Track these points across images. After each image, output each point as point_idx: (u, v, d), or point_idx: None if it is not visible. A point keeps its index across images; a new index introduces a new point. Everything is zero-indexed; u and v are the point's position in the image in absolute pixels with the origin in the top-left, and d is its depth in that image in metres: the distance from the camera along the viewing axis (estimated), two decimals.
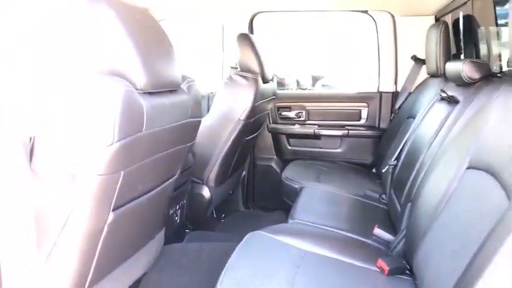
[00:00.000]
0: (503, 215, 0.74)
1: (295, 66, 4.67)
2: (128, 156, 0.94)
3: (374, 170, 2.37)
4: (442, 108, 1.49)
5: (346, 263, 1.21)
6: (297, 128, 2.56)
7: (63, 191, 0.89)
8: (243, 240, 1.26)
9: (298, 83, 4.44)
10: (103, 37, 0.96)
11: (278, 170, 2.54)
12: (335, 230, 1.43)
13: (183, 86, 1.23)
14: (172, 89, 1.13)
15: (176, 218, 1.84)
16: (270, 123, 2.59)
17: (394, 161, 1.73)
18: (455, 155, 1.15)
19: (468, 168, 1.03)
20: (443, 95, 1.50)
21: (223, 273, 1.06)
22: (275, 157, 2.63)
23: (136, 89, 0.95)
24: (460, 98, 1.39)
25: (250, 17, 2.44)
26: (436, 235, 1.06)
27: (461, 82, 1.42)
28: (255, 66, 2.00)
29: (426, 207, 1.18)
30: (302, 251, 1.23)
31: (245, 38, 2.02)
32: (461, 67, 1.37)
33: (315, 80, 4.65)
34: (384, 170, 1.80)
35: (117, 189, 0.95)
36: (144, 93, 0.97)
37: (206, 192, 2.01)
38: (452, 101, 1.43)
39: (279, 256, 1.18)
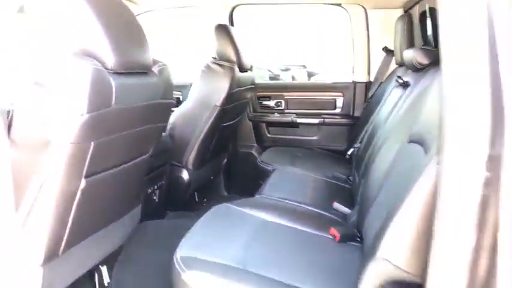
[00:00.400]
0: (417, 165, 0.87)
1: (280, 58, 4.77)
2: (98, 128, 1.05)
3: (348, 156, 2.49)
4: (398, 92, 1.61)
5: (302, 230, 1.33)
6: (276, 117, 2.68)
7: (39, 158, 1.00)
8: (209, 211, 1.37)
9: (293, 78, 4.55)
10: (77, 22, 1.07)
11: (258, 157, 2.66)
12: (297, 204, 1.55)
13: (155, 70, 1.34)
14: (142, 70, 1.24)
15: (155, 197, 1.96)
16: (250, 112, 2.70)
17: (358, 144, 1.85)
18: (400, 132, 1.27)
19: (409, 142, 1.16)
20: (400, 81, 1.62)
21: (184, 238, 1.18)
22: (255, 144, 2.75)
23: (107, 69, 1.06)
24: (411, 82, 1.51)
25: (230, 10, 2.55)
26: (379, 202, 1.19)
27: (414, 68, 1.54)
28: (231, 56, 2.11)
29: (374, 180, 1.30)
30: (262, 220, 1.35)
31: (222, 29, 2.13)
32: (412, 54, 1.49)
33: (310, 75, 4.75)
34: (349, 153, 1.92)
35: (89, 157, 1.06)
36: (114, 72, 1.08)
37: (185, 175, 2.12)
38: (405, 85, 1.55)
39: (240, 224, 1.30)
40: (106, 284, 1.61)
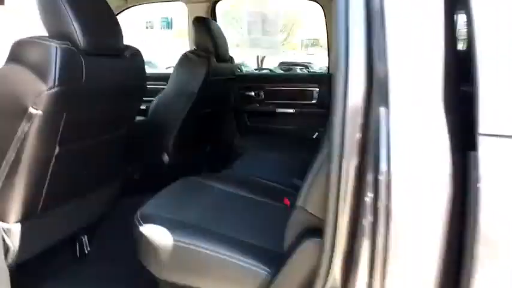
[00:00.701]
0: None
1: None
2: (69, 101, 1.20)
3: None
4: None
5: (259, 200, 1.48)
6: (256, 107, 2.83)
7: (18, 125, 1.16)
8: (176, 181, 1.52)
9: None
10: (52, 9, 1.23)
11: (241, 145, 2.81)
12: (259, 179, 1.70)
13: (127, 54, 1.49)
14: (113, 53, 1.39)
15: (135, 177, 2.12)
16: (232, 102, 2.85)
17: (322, 128, 2.00)
18: None
19: None
20: None
21: (147, 202, 1.33)
22: (237, 133, 2.90)
23: (78, 49, 1.21)
24: None
25: (212, 3, 2.70)
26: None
27: None
28: (209, 46, 2.26)
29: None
30: (223, 191, 1.49)
31: (200, 21, 2.28)
32: None
33: None
34: (314, 136, 2.07)
35: (62, 126, 1.22)
36: (85, 53, 1.23)
37: (165, 158, 2.27)
38: None
39: (201, 193, 1.45)
40: (86, 252, 1.77)
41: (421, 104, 0.68)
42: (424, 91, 0.68)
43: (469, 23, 0.66)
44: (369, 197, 0.71)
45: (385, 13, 0.69)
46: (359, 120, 0.74)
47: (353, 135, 0.74)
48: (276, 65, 4.21)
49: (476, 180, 0.64)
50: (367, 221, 0.71)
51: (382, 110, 0.69)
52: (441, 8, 0.68)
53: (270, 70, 3.63)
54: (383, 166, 0.67)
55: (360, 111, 0.74)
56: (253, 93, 2.82)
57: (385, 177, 0.67)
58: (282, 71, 3.80)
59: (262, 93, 2.82)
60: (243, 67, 3.15)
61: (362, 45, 0.73)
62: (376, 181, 0.68)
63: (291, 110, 2.74)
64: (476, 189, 0.64)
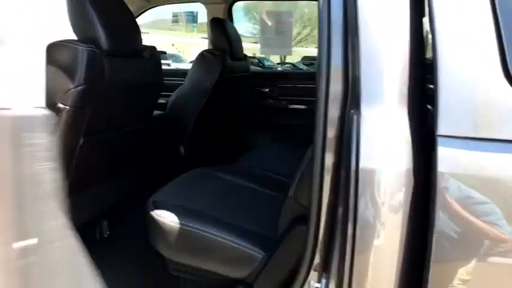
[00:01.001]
0: None
1: None
2: (93, 98, 1.35)
3: None
4: None
5: (263, 191, 1.59)
6: (269, 103, 2.94)
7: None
8: (188, 172, 1.65)
9: None
10: (82, 16, 1.36)
11: (254, 139, 2.93)
12: (267, 172, 1.81)
13: (145, 54, 1.62)
14: (133, 54, 1.53)
15: (152, 166, 2.27)
16: (247, 98, 2.97)
17: None
18: None
19: None
20: None
21: (162, 188, 1.46)
22: (251, 128, 3.02)
23: (102, 51, 1.35)
24: None
25: (228, 4, 2.82)
26: None
27: None
28: (224, 46, 2.38)
29: None
30: (230, 182, 1.62)
31: (216, 22, 2.41)
32: None
33: None
34: None
35: (86, 120, 1.36)
36: (108, 54, 1.37)
37: (181, 150, 2.41)
38: None
39: (210, 183, 1.57)
40: (106, 236, 1.93)
41: (387, 105, 0.77)
42: (390, 93, 0.77)
43: (431, 28, 0.75)
44: (342, 190, 0.81)
45: (358, 20, 0.79)
46: (337, 119, 0.84)
47: (332, 132, 0.85)
48: (299, 59, 4.27)
49: (435, 178, 0.73)
50: (340, 212, 0.82)
51: (354, 110, 0.79)
52: (407, 14, 0.77)
53: (292, 64, 3.70)
54: (353, 161, 0.77)
55: (338, 111, 0.84)
56: (267, 90, 2.93)
57: (354, 172, 0.77)
58: (304, 66, 3.87)
59: (275, 90, 2.93)
60: (265, 61, 3.25)
61: (340, 52, 0.84)
62: (347, 175, 0.79)
63: (303, 106, 2.84)
64: (435, 187, 0.73)
